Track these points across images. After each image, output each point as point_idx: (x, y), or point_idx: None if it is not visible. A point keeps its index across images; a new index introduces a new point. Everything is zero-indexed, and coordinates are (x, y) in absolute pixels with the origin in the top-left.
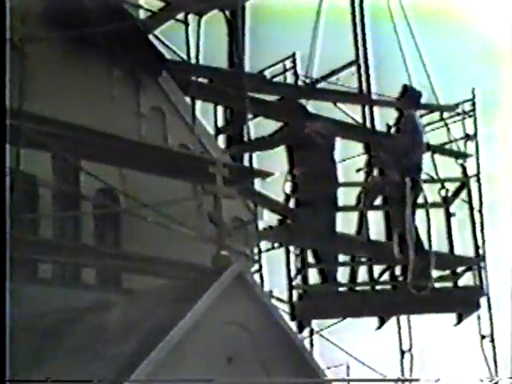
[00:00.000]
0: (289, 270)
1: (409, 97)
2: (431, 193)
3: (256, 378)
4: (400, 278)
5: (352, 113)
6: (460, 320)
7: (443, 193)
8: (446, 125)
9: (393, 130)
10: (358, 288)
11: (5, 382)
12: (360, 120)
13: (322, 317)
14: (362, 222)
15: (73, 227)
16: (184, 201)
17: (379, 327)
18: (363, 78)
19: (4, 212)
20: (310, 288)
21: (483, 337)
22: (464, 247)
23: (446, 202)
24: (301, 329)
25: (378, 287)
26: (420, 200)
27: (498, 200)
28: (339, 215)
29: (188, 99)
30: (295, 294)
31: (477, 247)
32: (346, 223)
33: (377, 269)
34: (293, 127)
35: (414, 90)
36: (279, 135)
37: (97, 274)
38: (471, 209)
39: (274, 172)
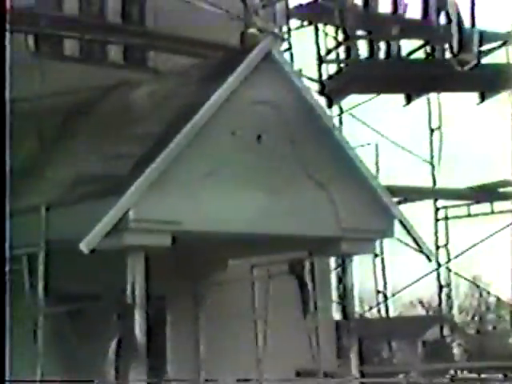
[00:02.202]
0: (318, 48)
1: None
2: None
3: (283, 155)
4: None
5: None
6: (483, 99)
7: None
8: None
9: None
10: (389, 62)
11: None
12: None
13: (352, 92)
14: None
15: (98, 4)
16: None
17: (407, 104)
18: None
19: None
20: (342, 64)
21: None
22: None
23: None
24: (330, 105)
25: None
26: None
27: None
28: None
29: None
30: (325, 72)
31: None
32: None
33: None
34: None
35: None
36: None
37: (123, 52)
38: None
39: None
